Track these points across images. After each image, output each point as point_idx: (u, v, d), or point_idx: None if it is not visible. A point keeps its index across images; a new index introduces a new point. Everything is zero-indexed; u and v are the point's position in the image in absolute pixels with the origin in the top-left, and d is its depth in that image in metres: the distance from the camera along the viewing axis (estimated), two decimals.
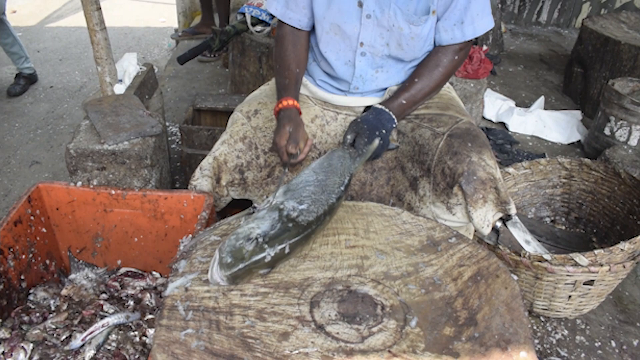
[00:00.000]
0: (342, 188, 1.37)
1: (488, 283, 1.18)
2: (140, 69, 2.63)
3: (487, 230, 1.54)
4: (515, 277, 1.20)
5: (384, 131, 1.55)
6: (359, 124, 1.56)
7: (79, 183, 1.71)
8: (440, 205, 1.56)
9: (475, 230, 1.70)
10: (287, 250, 1.18)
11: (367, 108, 1.71)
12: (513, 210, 1.53)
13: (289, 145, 1.50)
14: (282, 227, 1.19)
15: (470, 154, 1.50)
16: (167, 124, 3.36)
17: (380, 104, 1.62)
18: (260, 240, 1.15)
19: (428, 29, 1.58)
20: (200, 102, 2.64)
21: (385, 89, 1.70)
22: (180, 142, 2.93)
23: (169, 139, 3.23)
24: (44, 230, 1.72)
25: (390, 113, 1.59)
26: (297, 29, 1.68)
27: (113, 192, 1.69)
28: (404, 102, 1.61)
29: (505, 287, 1.17)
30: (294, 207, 1.23)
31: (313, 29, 1.70)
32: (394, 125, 1.60)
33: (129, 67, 2.55)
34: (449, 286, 1.19)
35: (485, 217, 1.52)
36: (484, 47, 3.33)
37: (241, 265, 1.12)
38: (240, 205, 1.94)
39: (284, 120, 1.55)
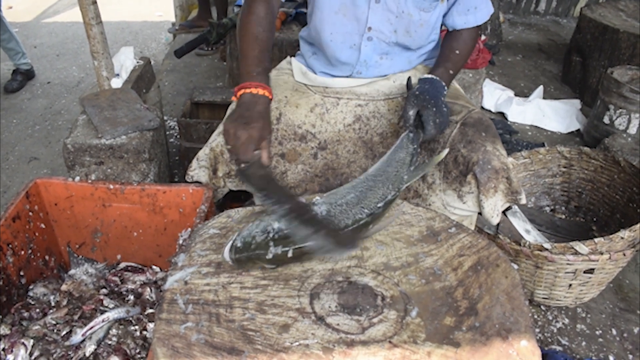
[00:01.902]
0: (381, 204, 1.28)
1: (488, 272, 1.18)
2: (137, 63, 2.62)
3: (495, 220, 1.54)
4: (516, 266, 1.20)
5: (443, 99, 1.49)
6: (419, 96, 1.47)
7: (77, 178, 1.70)
8: (451, 193, 1.56)
9: (478, 220, 1.70)
10: (289, 255, 1.15)
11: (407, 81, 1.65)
12: (523, 200, 1.53)
13: (248, 149, 1.31)
14: (295, 230, 1.16)
15: (485, 143, 1.50)
16: (165, 118, 3.35)
17: (429, 73, 1.56)
18: (270, 236, 1.14)
19: (437, 16, 1.59)
20: (198, 95, 2.63)
21: (385, 75, 1.69)
22: (178, 136, 2.92)
23: (167, 133, 3.23)
24: (42, 226, 1.72)
25: (442, 82, 1.54)
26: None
27: (111, 186, 1.69)
28: (451, 72, 1.59)
29: (505, 277, 1.17)
30: (320, 212, 1.21)
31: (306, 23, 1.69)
32: (445, 94, 1.56)
33: (125, 61, 2.54)
34: (449, 276, 1.19)
35: (495, 206, 1.52)
36: (483, 37, 3.32)
37: (245, 254, 1.14)
38: (239, 199, 1.93)
39: (255, 114, 1.37)
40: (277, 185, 1.35)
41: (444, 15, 1.64)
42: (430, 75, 1.54)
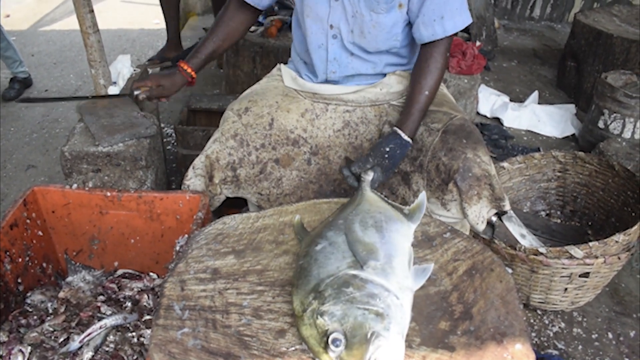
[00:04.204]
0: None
1: (483, 277, 1.19)
2: (134, 70, 2.63)
3: (481, 227, 1.55)
4: (510, 271, 1.21)
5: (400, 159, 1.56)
6: (385, 159, 1.50)
7: (75, 185, 1.71)
8: (434, 201, 1.57)
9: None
10: None
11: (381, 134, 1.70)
12: (507, 207, 1.53)
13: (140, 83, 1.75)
14: None
15: (466, 150, 1.51)
16: (162, 125, 3.35)
17: (397, 126, 1.56)
18: None
19: (392, 21, 1.57)
20: (195, 102, 2.64)
21: (367, 75, 1.70)
22: (175, 144, 2.93)
23: (165, 140, 3.23)
24: (40, 233, 1.72)
25: (410, 141, 1.55)
26: (247, 3, 1.75)
27: (108, 194, 1.69)
28: (419, 116, 1.58)
29: (500, 281, 1.17)
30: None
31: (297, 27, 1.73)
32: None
33: (122, 69, 2.55)
34: (444, 281, 1.20)
35: (480, 213, 1.53)
36: (477, 43, 3.34)
37: None
38: (236, 205, 1.94)
39: (162, 73, 1.81)
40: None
41: (413, 27, 1.59)
42: (401, 133, 1.54)
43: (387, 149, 1.51)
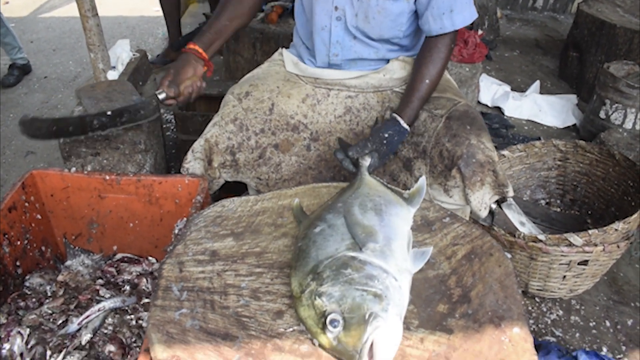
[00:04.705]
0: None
1: (482, 261, 1.19)
2: (134, 55, 2.62)
3: (484, 213, 1.54)
4: (509, 256, 1.21)
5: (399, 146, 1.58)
6: (383, 145, 1.51)
7: (73, 169, 1.70)
8: (437, 187, 1.56)
9: (471, 212, 1.70)
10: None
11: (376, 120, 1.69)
12: (511, 193, 1.53)
13: (162, 87, 1.59)
14: None
15: (469, 136, 1.50)
16: (162, 111, 3.35)
17: (397, 112, 1.57)
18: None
19: (399, 9, 1.56)
20: None
21: (369, 60, 1.69)
22: (175, 129, 2.92)
23: (164, 126, 3.22)
24: (38, 216, 1.72)
25: (407, 128, 1.56)
26: None
27: (107, 177, 1.69)
28: (419, 105, 1.58)
29: (498, 265, 1.17)
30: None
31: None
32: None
33: (122, 54, 2.54)
34: (442, 264, 1.19)
35: (483, 199, 1.52)
36: (480, 32, 3.32)
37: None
38: (235, 191, 1.94)
39: (174, 63, 1.64)
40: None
41: (421, 19, 1.58)
42: (400, 120, 1.54)
43: (386, 135, 1.50)
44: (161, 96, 1.60)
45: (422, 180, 1.35)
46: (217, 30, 1.68)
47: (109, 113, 1.66)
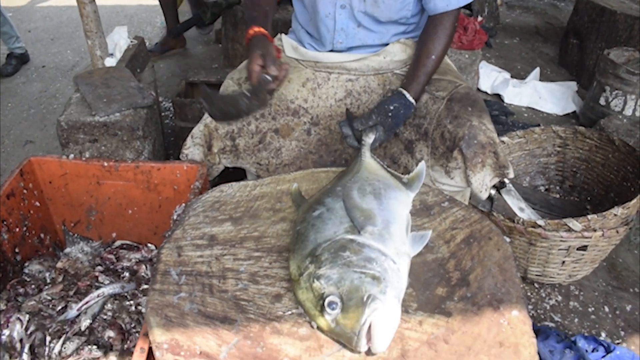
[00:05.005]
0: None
1: (481, 245, 1.19)
2: (131, 42, 2.60)
3: (484, 195, 1.54)
4: (508, 240, 1.20)
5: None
6: (388, 118, 1.50)
7: (71, 156, 1.70)
8: (438, 169, 1.56)
9: (470, 197, 1.70)
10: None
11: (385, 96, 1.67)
12: (511, 175, 1.53)
13: (252, 75, 1.47)
14: None
15: (471, 117, 1.50)
16: (161, 99, 3.33)
17: (403, 87, 1.56)
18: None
19: None
20: (193, 75, 2.62)
21: (373, 46, 1.69)
22: (173, 117, 2.91)
23: (163, 114, 3.21)
24: (37, 204, 1.72)
25: (413, 102, 1.55)
26: None
27: (105, 164, 1.68)
28: (425, 81, 1.57)
29: (497, 249, 1.17)
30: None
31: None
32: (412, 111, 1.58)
33: (119, 41, 2.52)
34: (441, 248, 1.19)
35: (484, 181, 1.52)
36: (479, 19, 3.31)
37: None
38: (234, 180, 1.93)
39: (254, 47, 1.52)
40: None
41: None
42: (406, 94, 1.54)
43: (391, 107, 1.50)
44: (269, 78, 1.48)
45: (422, 165, 1.34)
46: (264, 13, 1.64)
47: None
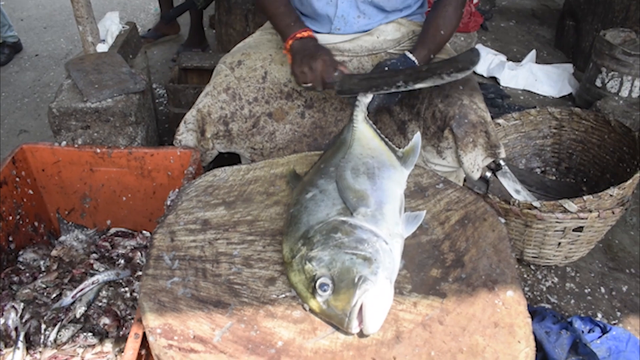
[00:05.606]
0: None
1: (475, 226, 1.18)
2: (123, 27, 2.58)
3: (476, 175, 1.53)
4: (503, 221, 1.20)
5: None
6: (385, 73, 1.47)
7: (64, 143, 1.68)
8: (430, 149, 1.55)
9: (465, 180, 1.69)
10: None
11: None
12: (503, 154, 1.51)
13: (329, 71, 1.42)
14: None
15: (462, 97, 1.49)
16: (154, 85, 3.31)
17: (410, 52, 1.53)
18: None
19: None
20: (186, 61, 2.60)
21: (367, 31, 1.67)
22: (167, 103, 2.89)
23: (157, 101, 3.19)
24: (30, 192, 1.70)
25: (415, 60, 1.53)
26: None
27: (98, 150, 1.67)
28: (432, 55, 1.56)
29: (492, 230, 1.17)
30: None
31: None
32: None
33: (111, 26, 2.50)
34: (436, 230, 1.19)
35: (475, 161, 1.51)
36: (475, 1, 3.28)
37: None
38: (229, 163, 1.92)
39: (313, 49, 1.47)
40: (370, 76, 1.46)
41: None
42: (410, 55, 1.51)
43: (389, 63, 1.48)
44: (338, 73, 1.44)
45: (417, 137, 1.32)
46: (297, 16, 1.60)
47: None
